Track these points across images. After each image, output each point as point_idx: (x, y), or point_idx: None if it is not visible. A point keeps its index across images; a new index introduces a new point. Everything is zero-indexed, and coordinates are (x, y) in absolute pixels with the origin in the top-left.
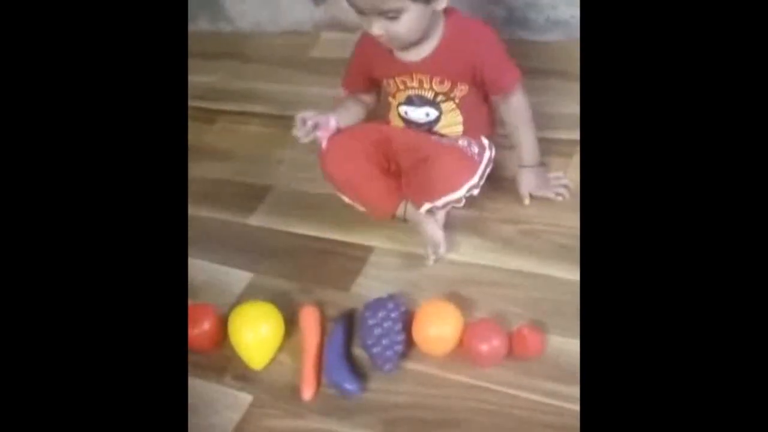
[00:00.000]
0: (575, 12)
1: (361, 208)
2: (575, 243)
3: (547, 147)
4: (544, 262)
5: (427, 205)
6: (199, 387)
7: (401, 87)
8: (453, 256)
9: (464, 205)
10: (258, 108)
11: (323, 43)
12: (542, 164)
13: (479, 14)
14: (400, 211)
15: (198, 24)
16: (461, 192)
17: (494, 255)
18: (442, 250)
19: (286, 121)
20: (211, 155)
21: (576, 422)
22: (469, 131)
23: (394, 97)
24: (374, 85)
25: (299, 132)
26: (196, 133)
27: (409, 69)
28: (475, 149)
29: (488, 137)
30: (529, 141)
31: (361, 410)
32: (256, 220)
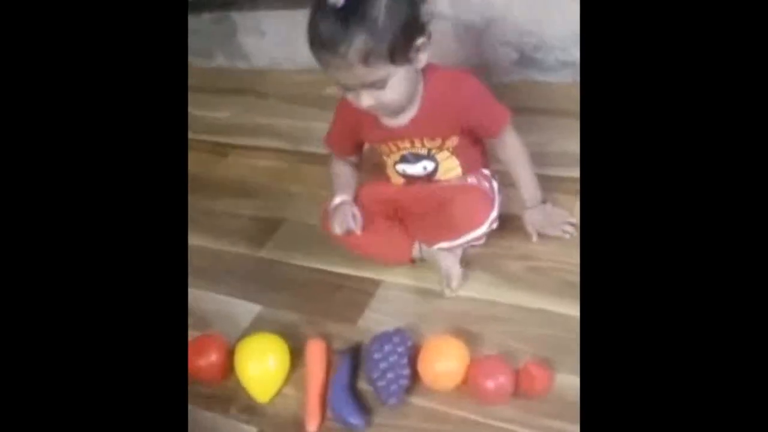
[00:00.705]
0: None
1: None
2: None
3: (553, 185)
4: (551, 298)
5: (443, 244)
6: (204, 419)
7: (394, 149)
8: (461, 291)
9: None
10: (271, 143)
11: None
12: (545, 201)
13: (491, 56)
14: (416, 253)
15: (215, 60)
16: (485, 227)
17: (502, 291)
18: (455, 284)
19: (298, 156)
20: (225, 188)
21: None
22: (468, 171)
23: (388, 156)
24: (360, 147)
25: (339, 229)
26: (211, 167)
27: (398, 134)
28: (486, 184)
29: (486, 168)
30: (528, 180)
31: None
32: (266, 253)
